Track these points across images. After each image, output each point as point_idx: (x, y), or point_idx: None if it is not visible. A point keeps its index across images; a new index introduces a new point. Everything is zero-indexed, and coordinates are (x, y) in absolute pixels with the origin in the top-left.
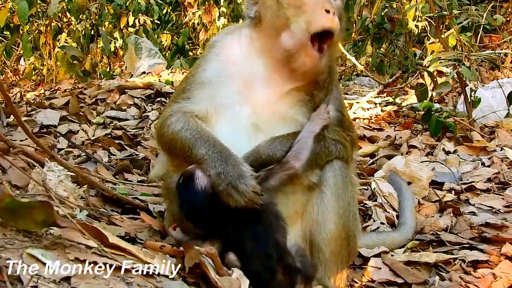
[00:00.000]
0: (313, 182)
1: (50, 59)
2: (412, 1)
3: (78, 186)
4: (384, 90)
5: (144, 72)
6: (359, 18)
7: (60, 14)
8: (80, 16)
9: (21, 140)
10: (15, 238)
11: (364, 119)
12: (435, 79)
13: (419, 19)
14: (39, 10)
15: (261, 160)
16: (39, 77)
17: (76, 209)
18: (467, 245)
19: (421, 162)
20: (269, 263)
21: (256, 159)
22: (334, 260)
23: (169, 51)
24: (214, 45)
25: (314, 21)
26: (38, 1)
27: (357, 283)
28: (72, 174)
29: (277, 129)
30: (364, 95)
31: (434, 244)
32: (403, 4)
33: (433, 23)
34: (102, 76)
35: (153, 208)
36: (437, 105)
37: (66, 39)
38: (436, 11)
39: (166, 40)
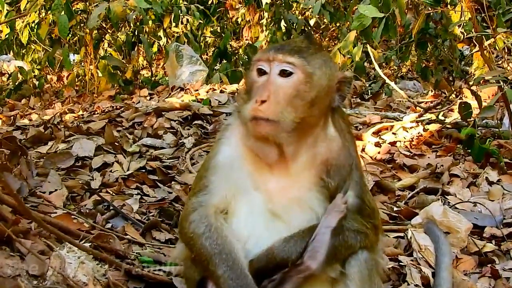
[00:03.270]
0: (335, 275)
1: (92, 69)
2: (457, 7)
3: (100, 265)
4: (426, 112)
5: (182, 89)
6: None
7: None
8: (121, 25)
9: (50, 192)
10: None
11: (405, 141)
12: (478, 98)
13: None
14: (79, 20)
15: (276, 262)
16: (82, 83)
17: None
18: None
19: (461, 201)
20: None
21: (271, 261)
22: None
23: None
24: (226, 129)
25: (246, 111)
26: (79, 12)
27: None
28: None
29: (294, 216)
30: (408, 107)
31: None
32: (447, 10)
33: (475, 43)
34: (144, 84)
35: (178, 283)
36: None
37: (106, 49)
38: (481, 28)
39: (210, 37)
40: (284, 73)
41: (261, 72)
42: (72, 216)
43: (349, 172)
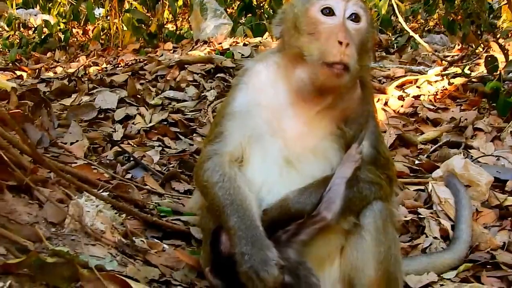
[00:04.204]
0: (349, 227)
1: (116, 23)
2: None
3: (118, 214)
4: (451, 65)
5: (206, 42)
6: None
7: None
8: None
9: (71, 143)
10: None
11: (429, 95)
12: (505, 52)
13: None
14: None
15: (291, 214)
16: (106, 37)
17: (106, 257)
18: None
19: (484, 155)
20: None
21: (285, 212)
22: None
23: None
24: (244, 73)
25: (325, 51)
26: None
27: None
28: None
29: (308, 165)
30: (433, 61)
31: (488, 266)
32: None
33: None
34: (168, 38)
35: (195, 233)
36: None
37: (131, 2)
38: None
39: None
40: (354, 18)
41: (327, 13)
42: (92, 167)
43: (365, 122)
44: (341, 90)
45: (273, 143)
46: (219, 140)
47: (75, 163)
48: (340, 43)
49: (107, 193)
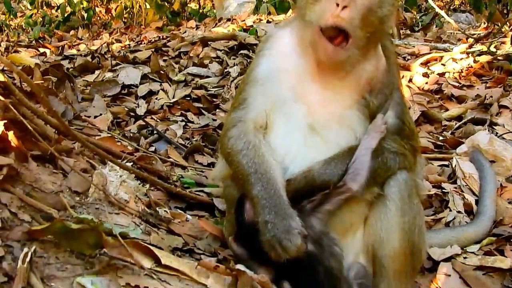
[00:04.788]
0: (373, 198)
1: (139, 1)
2: None
3: (141, 185)
4: (477, 42)
5: (229, 20)
6: None
7: None
8: None
9: (95, 117)
10: (68, 261)
11: (454, 73)
12: None
13: None
14: None
15: (316, 185)
16: (129, 15)
17: (130, 225)
18: None
19: (509, 132)
20: None
21: (310, 184)
22: (398, 277)
23: None
24: (267, 40)
25: (321, 14)
26: None
27: None
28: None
29: (333, 133)
30: (459, 39)
31: None
32: None
33: None
34: (191, 16)
35: (218, 204)
36: None
37: None
38: None
39: None
40: None
41: None
42: (116, 139)
43: (390, 92)
44: (350, 61)
45: (297, 110)
46: (243, 107)
47: (99, 135)
48: (337, 5)
49: (131, 163)
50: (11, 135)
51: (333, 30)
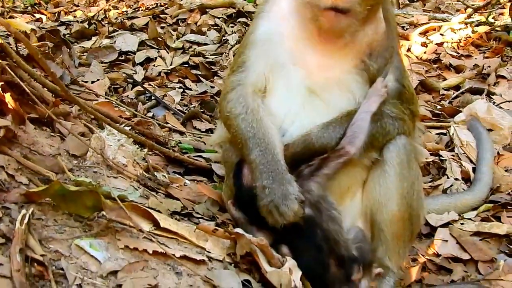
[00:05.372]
0: (371, 162)
1: None
2: None
3: (140, 148)
4: (475, 12)
5: None
6: None
7: None
8: None
9: (92, 82)
10: (66, 224)
11: (452, 42)
12: None
13: None
14: None
15: (314, 149)
16: None
17: (128, 189)
18: None
19: (507, 101)
20: (320, 256)
21: (309, 147)
22: (396, 241)
23: None
24: (266, 2)
25: None
26: None
27: (421, 256)
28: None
29: (332, 96)
30: (457, 9)
31: (509, 207)
32: None
33: None
34: None
35: (216, 169)
36: None
37: None
38: None
39: None
40: None
41: None
42: (113, 105)
43: (390, 56)
44: (349, 29)
45: (296, 73)
46: (242, 70)
47: (96, 100)
48: None
49: (129, 128)
50: (8, 97)
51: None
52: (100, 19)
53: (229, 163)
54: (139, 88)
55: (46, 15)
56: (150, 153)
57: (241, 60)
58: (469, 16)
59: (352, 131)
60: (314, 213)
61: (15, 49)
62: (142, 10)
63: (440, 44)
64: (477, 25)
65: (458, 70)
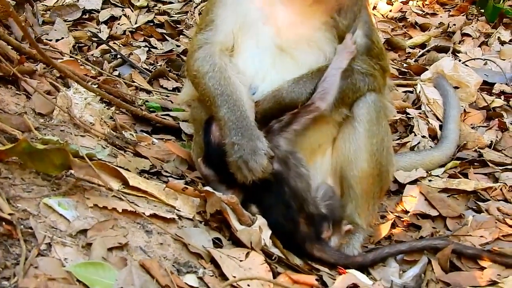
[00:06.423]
0: (341, 119)
1: None
2: None
3: (107, 107)
4: None
5: None
6: None
7: None
8: None
9: (56, 40)
10: (33, 183)
11: (418, 1)
12: None
13: None
14: None
15: (284, 104)
16: None
17: (96, 147)
18: (511, 166)
19: (472, 59)
20: (289, 213)
21: (279, 102)
22: (365, 197)
23: None
24: None
25: None
26: None
27: (390, 213)
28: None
29: (302, 53)
30: None
31: (476, 164)
32: None
33: None
34: None
35: (184, 127)
36: None
37: None
38: None
39: None
40: None
41: None
42: (79, 63)
43: (359, 10)
44: None
45: (266, 30)
46: (210, 28)
47: (61, 59)
48: None
49: (95, 86)
50: None
51: None
52: None
53: (198, 121)
54: (104, 46)
55: None
56: (117, 111)
57: (209, 19)
58: None
59: (323, 87)
60: (283, 169)
61: None
62: None
63: (405, 3)
64: None
65: (423, 28)
